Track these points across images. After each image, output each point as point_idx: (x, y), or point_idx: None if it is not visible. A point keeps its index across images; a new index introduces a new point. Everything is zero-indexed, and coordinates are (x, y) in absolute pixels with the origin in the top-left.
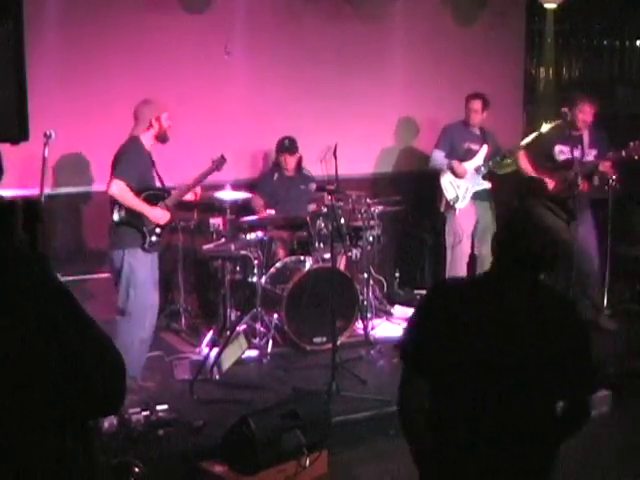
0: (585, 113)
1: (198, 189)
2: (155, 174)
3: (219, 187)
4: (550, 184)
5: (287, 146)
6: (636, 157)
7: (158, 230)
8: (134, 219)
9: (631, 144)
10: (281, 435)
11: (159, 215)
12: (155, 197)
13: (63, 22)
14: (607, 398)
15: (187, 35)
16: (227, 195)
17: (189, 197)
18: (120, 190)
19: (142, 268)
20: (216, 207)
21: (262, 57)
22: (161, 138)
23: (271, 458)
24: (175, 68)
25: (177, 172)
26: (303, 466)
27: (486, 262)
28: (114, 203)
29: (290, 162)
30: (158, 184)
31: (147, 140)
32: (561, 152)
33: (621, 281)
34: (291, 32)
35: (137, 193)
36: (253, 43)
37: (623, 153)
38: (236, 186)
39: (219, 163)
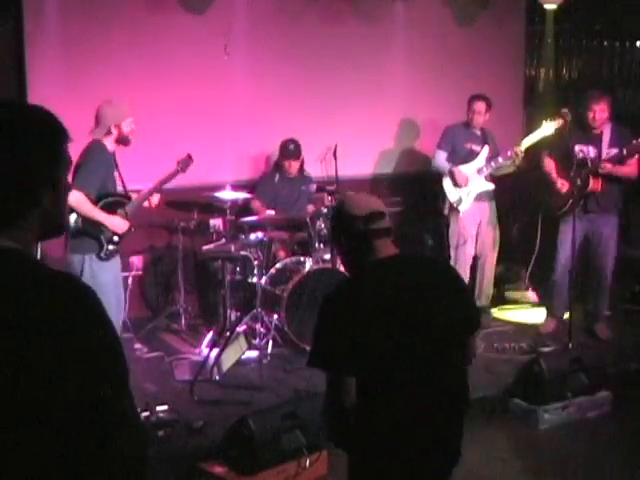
0: (594, 112)
1: (156, 198)
2: (118, 177)
3: (219, 187)
4: (564, 187)
5: (292, 151)
6: (631, 158)
7: (116, 238)
8: (91, 227)
9: (634, 142)
10: (281, 436)
11: (117, 224)
12: (114, 204)
13: (63, 23)
14: (608, 398)
15: (187, 35)
16: (227, 195)
17: (145, 204)
18: (78, 201)
19: (103, 273)
20: (216, 208)
21: (262, 58)
22: (122, 142)
23: (271, 459)
24: (175, 68)
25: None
26: (303, 467)
27: (487, 263)
28: (71, 210)
29: (294, 167)
30: (120, 187)
31: (109, 143)
32: (581, 152)
33: (621, 281)
34: (291, 32)
35: (95, 201)
36: (253, 44)
37: (624, 152)
38: (236, 187)
39: (184, 164)
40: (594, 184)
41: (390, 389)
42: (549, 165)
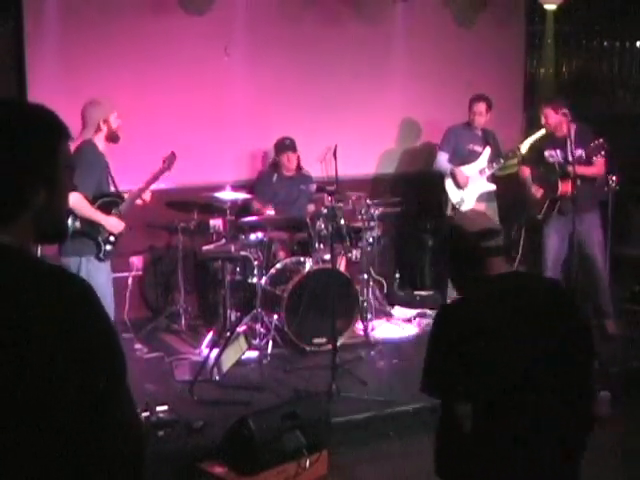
0: (545, 117)
1: (147, 195)
2: (109, 178)
3: (219, 188)
4: (538, 192)
5: (288, 145)
6: (596, 157)
7: (112, 239)
8: (89, 229)
9: (592, 144)
10: (281, 436)
11: (114, 224)
12: (109, 204)
13: (63, 23)
14: (607, 398)
15: (187, 36)
16: (227, 196)
17: (138, 202)
18: (77, 202)
19: (100, 275)
20: (216, 208)
21: (262, 58)
22: (111, 139)
23: (271, 459)
24: (175, 68)
25: (178, 173)
26: (303, 467)
27: None
28: (68, 212)
29: (292, 161)
30: (112, 187)
31: (99, 142)
32: (551, 156)
33: (621, 282)
34: (291, 33)
35: (92, 201)
36: (253, 44)
37: (583, 155)
38: (236, 187)
39: (170, 161)
40: (563, 187)
41: (498, 416)
42: (524, 172)
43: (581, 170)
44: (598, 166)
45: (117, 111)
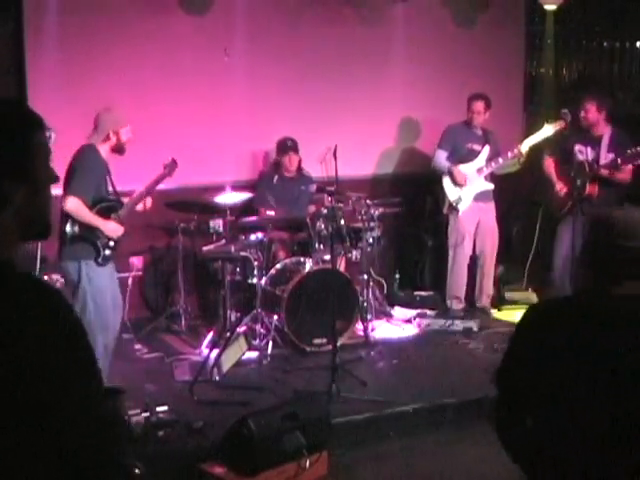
0: (586, 111)
1: (149, 200)
2: (109, 182)
3: (219, 188)
4: (563, 189)
5: (291, 146)
6: (633, 165)
7: (112, 243)
8: (88, 233)
9: (629, 151)
10: (281, 436)
11: (113, 229)
12: (108, 209)
13: (63, 25)
14: None
15: (187, 37)
16: (227, 196)
17: (139, 207)
18: (76, 207)
19: (100, 278)
20: (216, 208)
21: (262, 59)
22: (118, 150)
23: (271, 459)
24: (175, 70)
25: (178, 173)
26: (303, 467)
27: (487, 262)
28: (67, 216)
29: (294, 162)
30: (111, 191)
31: (104, 149)
32: (580, 152)
33: None
34: (291, 34)
35: (90, 206)
36: (253, 45)
37: (619, 160)
38: (236, 187)
39: (171, 168)
40: (590, 189)
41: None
42: (549, 166)
43: (611, 175)
44: (626, 172)
45: (128, 122)
